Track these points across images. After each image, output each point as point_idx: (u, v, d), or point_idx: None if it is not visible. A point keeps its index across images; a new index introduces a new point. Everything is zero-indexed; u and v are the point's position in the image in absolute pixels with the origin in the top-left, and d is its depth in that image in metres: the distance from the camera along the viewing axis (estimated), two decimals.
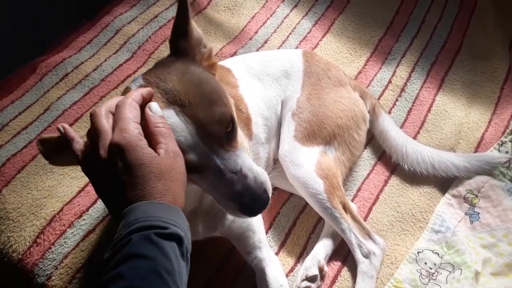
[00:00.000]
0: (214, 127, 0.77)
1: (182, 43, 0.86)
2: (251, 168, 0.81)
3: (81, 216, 1.22)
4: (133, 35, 1.71)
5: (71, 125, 1.42)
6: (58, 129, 0.77)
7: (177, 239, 0.67)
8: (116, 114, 0.72)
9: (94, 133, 0.71)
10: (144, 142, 0.69)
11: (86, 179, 1.28)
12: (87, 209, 1.24)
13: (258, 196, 0.80)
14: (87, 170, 0.74)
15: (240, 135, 0.86)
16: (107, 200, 0.73)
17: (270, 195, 0.83)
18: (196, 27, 0.89)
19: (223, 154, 0.79)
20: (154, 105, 0.75)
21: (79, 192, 1.27)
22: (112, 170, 0.68)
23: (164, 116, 0.74)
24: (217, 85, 0.85)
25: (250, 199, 0.80)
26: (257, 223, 1.11)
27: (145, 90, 0.76)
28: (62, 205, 1.23)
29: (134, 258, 0.63)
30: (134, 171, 0.67)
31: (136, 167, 0.67)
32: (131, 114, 0.71)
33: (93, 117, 0.73)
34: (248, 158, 0.84)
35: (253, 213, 0.83)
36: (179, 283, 0.66)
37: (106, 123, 0.71)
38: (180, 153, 0.73)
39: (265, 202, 0.81)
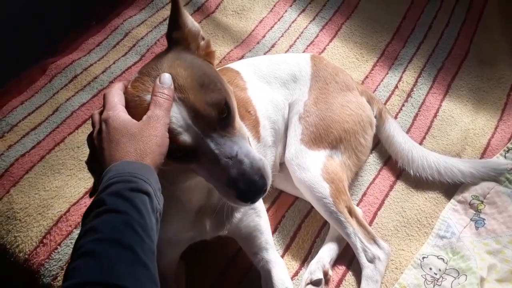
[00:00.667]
0: (206, 110, 0.77)
1: (175, 34, 0.87)
2: (248, 154, 0.80)
3: None
4: (142, 38, 1.72)
5: (79, 126, 1.43)
6: None
7: (146, 193, 0.70)
8: (104, 102, 0.80)
9: (92, 126, 0.81)
10: (125, 115, 0.77)
11: (93, 180, 1.29)
12: None
13: (253, 181, 0.79)
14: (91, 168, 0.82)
15: (240, 123, 0.86)
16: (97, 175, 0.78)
17: (268, 181, 0.82)
18: (193, 20, 0.90)
19: (217, 138, 0.79)
20: (164, 76, 0.79)
21: (86, 193, 1.27)
22: (98, 140, 0.77)
23: (171, 88, 0.77)
24: (211, 70, 0.86)
25: (246, 184, 0.78)
26: (264, 224, 1.11)
27: (125, 81, 0.85)
28: (69, 206, 1.24)
29: (106, 213, 0.65)
30: (111, 136, 0.75)
31: (113, 132, 0.75)
32: (116, 98, 0.79)
33: (91, 117, 0.83)
34: (246, 145, 0.83)
35: (249, 199, 0.81)
36: (152, 237, 0.68)
37: (97, 116, 0.81)
38: (162, 119, 0.76)
39: (261, 187, 0.80)
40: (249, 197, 0.81)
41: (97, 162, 0.76)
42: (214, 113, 0.78)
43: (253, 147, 0.90)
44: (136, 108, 0.79)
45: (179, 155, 0.79)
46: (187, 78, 0.79)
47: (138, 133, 0.75)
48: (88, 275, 0.59)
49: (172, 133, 0.77)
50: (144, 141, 0.74)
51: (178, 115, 0.77)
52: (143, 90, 0.80)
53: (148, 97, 0.78)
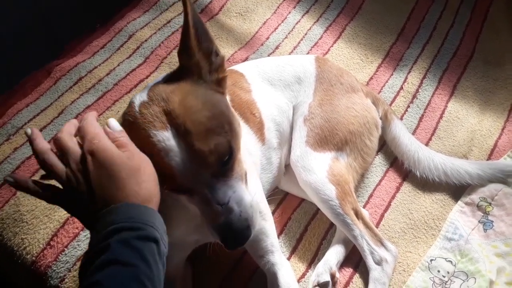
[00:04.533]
0: (208, 158, 0.76)
1: (185, 61, 0.84)
2: (240, 201, 0.81)
3: None
4: (146, 40, 1.72)
5: None
6: (26, 133, 0.80)
7: (154, 241, 0.67)
8: (81, 132, 0.75)
9: (61, 153, 0.74)
10: (114, 147, 0.72)
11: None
12: None
13: (238, 232, 0.81)
14: (56, 200, 0.77)
15: (239, 160, 0.85)
16: (81, 214, 0.75)
17: (252, 230, 0.83)
18: (208, 33, 0.85)
19: (214, 184, 0.79)
20: (111, 122, 0.77)
21: None
22: (85, 178, 0.70)
23: (122, 129, 0.77)
24: (221, 108, 0.83)
25: (230, 234, 0.81)
26: (270, 227, 1.11)
27: (95, 113, 0.81)
28: None
29: (114, 265, 0.62)
30: (105, 171, 0.69)
31: (108, 166, 0.70)
32: (96, 129, 0.75)
33: (57, 141, 0.75)
34: (241, 188, 0.83)
35: (231, 247, 0.84)
36: None
37: (71, 141, 0.75)
38: (145, 156, 0.74)
39: (245, 238, 0.82)
40: (231, 246, 0.83)
41: (82, 199, 0.71)
42: (215, 159, 0.77)
43: (249, 180, 0.90)
44: (140, 139, 0.77)
45: (174, 188, 0.80)
46: (194, 122, 0.77)
47: (136, 170, 0.71)
48: None
49: (171, 174, 0.76)
50: (146, 179, 0.72)
51: (178, 159, 0.76)
52: (150, 124, 0.77)
53: (153, 132, 0.76)
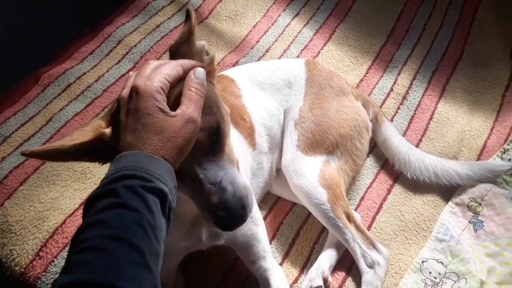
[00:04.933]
0: (197, 135, 0.76)
1: (184, 48, 0.85)
2: (233, 181, 0.79)
3: None
4: (135, 45, 1.71)
5: None
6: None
7: (160, 194, 0.66)
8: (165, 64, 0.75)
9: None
10: (161, 97, 0.70)
11: (89, 191, 1.28)
12: None
13: (233, 211, 0.78)
14: None
15: (230, 146, 0.85)
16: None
17: (249, 211, 0.81)
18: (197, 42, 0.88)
19: (204, 163, 0.78)
20: (199, 71, 0.76)
21: (82, 204, 1.26)
22: (124, 109, 0.71)
23: (204, 85, 0.75)
24: (209, 93, 0.83)
25: (225, 213, 0.78)
26: (261, 232, 1.11)
27: (199, 64, 0.79)
28: (64, 218, 1.23)
29: (119, 208, 0.63)
30: (139, 117, 0.69)
31: (142, 114, 0.69)
32: (168, 71, 0.73)
33: (144, 64, 0.77)
34: (233, 170, 0.82)
35: (227, 228, 0.81)
36: (160, 238, 0.65)
37: (149, 69, 0.75)
38: (197, 122, 0.72)
39: (241, 217, 0.80)
40: (227, 226, 0.81)
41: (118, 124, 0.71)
42: (205, 137, 0.77)
43: (241, 171, 0.89)
44: None
45: None
46: None
47: (167, 129, 0.69)
48: (95, 273, 0.57)
49: None
50: (173, 142, 0.69)
51: None
52: None
53: None
